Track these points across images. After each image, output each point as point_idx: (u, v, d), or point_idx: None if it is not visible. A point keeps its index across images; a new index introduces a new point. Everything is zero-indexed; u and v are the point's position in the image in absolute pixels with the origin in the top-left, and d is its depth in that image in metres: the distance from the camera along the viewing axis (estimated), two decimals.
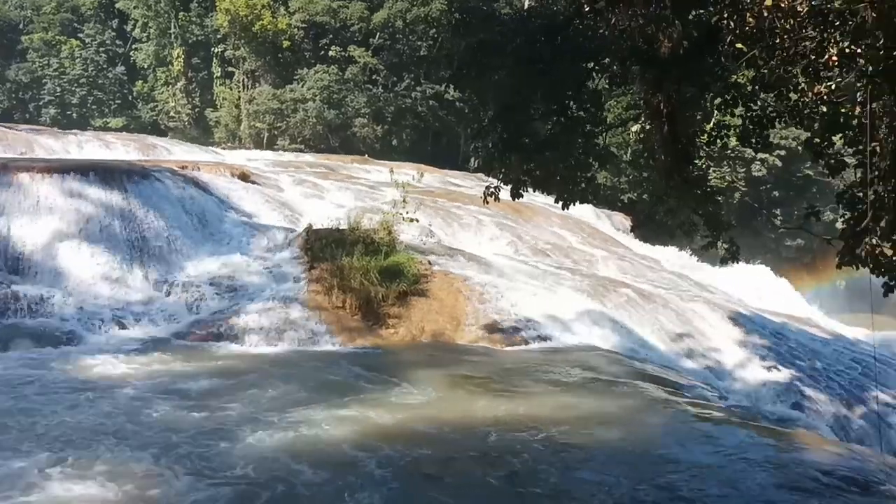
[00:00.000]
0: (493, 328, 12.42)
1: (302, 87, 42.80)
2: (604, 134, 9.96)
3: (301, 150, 38.93)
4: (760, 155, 36.00)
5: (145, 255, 13.15)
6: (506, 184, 9.68)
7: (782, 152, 36.56)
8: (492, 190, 9.76)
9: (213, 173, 17.80)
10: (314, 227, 14.13)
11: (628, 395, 9.48)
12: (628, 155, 25.75)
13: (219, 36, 45.49)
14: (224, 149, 35.74)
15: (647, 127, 9.24)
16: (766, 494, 6.38)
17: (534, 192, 10.08)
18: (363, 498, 6.02)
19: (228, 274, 13.23)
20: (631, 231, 10.65)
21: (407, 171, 19.02)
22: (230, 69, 46.10)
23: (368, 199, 19.23)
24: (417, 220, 14.49)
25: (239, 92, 45.07)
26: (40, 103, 47.69)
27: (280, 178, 20.49)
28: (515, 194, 9.68)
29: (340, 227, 13.88)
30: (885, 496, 6.58)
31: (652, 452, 7.39)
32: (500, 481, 6.51)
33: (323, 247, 13.33)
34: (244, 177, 18.31)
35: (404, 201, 13.85)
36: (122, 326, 11.57)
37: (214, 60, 46.48)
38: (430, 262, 14.06)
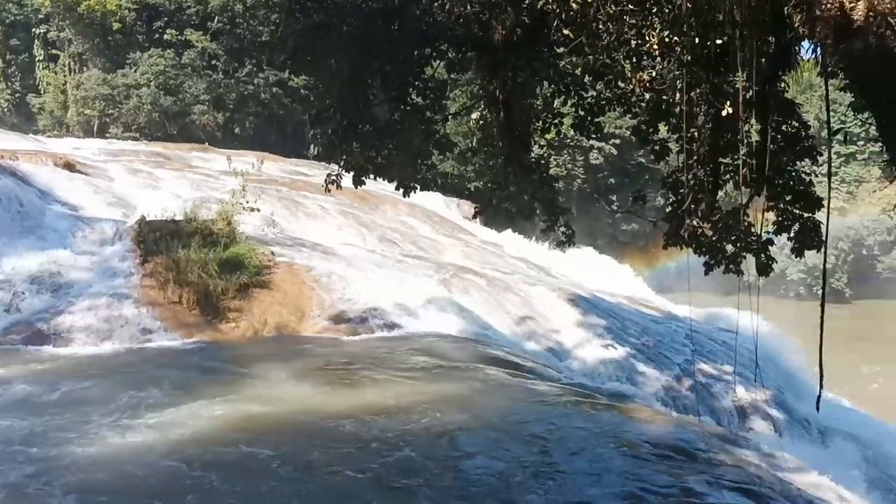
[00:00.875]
0: (339, 318, 12.23)
1: (135, 72, 40.44)
2: (444, 122, 9.99)
3: (136, 139, 36.78)
4: (597, 144, 37.78)
5: None
6: (347, 171, 9.51)
7: (617, 141, 38.58)
8: (333, 177, 9.57)
9: (34, 163, 16.48)
10: (147, 219, 13.33)
11: (476, 379, 9.60)
12: (474, 143, 26.19)
13: (40, 16, 42.12)
14: (49, 137, 33.19)
15: (486, 114, 9.35)
16: (622, 466, 6.66)
17: (375, 179, 9.98)
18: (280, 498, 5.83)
19: (52, 270, 12.23)
20: (474, 217, 10.80)
21: (249, 160, 18.37)
22: (55, 52, 42.79)
23: (208, 188, 18.47)
24: (259, 210, 14.00)
25: (65, 76, 41.96)
26: None
27: (110, 168, 19.27)
28: (357, 182, 9.54)
29: (176, 219, 13.17)
30: (706, 463, 7.02)
31: (509, 433, 7.49)
32: (388, 472, 6.40)
33: (157, 239, 12.59)
34: (69, 166, 17.08)
35: (244, 190, 13.34)
36: None
37: (36, 42, 42.93)
38: (272, 253, 13.64)
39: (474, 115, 10.11)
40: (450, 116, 11.43)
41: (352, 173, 9.51)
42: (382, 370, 9.79)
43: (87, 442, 6.67)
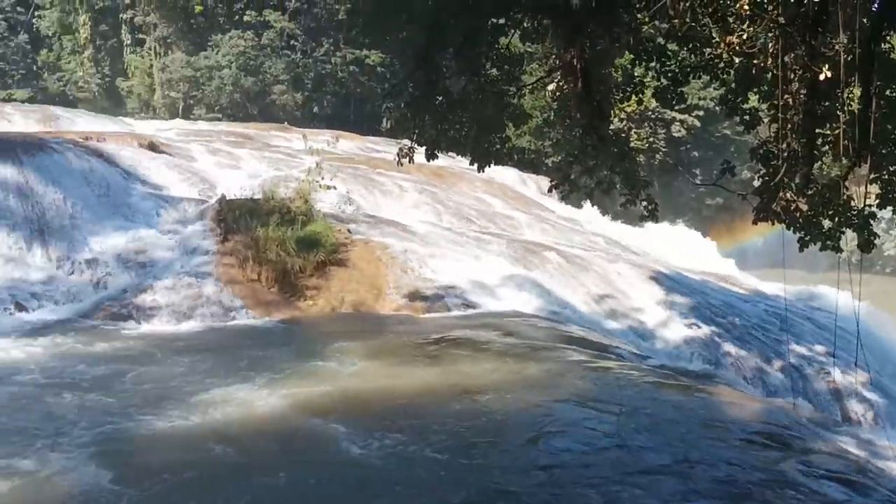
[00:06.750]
0: (415, 296, 12.14)
1: (217, 53, 41.25)
2: (519, 94, 9.68)
3: (218, 119, 37.59)
4: (679, 116, 36.61)
5: (45, 232, 12.31)
6: (420, 145, 9.35)
7: (700, 113, 37.30)
8: (405, 151, 9.41)
9: (119, 144, 16.88)
10: (227, 198, 13.51)
11: (556, 360, 9.31)
12: (551, 116, 25.70)
13: (127, 1, 43.38)
14: (136, 119, 34.23)
15: (563, 85, 9.01)
16: (712, 454, 6.29)
17: (447, 153, 9.80)
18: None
19: (136, 249, 12.54)
20: (549, 191, 10.44)
21: (326, 138, 18.45)
22: (141, 36, 44.11)
23: (286, 167, 18.58)
24: (335, 188, 14.02)
25: (151, 60, 43.20)
26: None
27: (192, 148, 19.60)
28: (430, 155, 9.36)
29: (255, 197, 13.29)
30: (801, 450, 6.59)
31: (594, 417, 7.16)
32: (459, 451, 6.20)
33: (237, 218, 12.74)
34: (153, 147, 17.43)
35: (319, 167, 13.34)
36: (22, 308, 10.83)
37: (123, 27, 44.36)
38: (349, 231, 13.64)
39: (551, 87, 9.78)
40: (526, 90, 11.07)
41: (424, 147, 9.33)
42: (459, 349, 9.64)
43: (164, 418, 6.75)
